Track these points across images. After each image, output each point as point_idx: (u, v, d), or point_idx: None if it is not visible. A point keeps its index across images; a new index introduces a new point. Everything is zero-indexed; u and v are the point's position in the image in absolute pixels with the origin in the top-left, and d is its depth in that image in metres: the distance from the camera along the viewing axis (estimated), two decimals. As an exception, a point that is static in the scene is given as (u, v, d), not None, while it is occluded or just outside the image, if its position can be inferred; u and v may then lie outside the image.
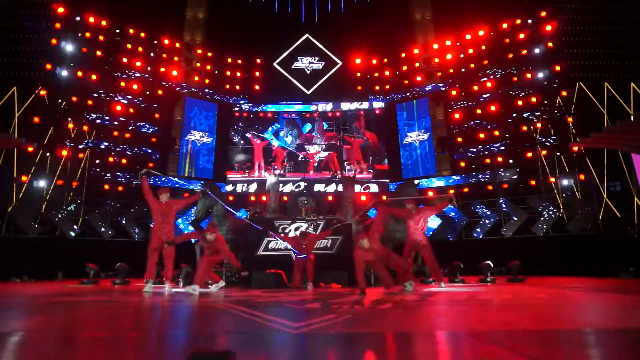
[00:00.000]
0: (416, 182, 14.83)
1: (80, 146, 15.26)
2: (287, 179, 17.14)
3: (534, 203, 14.76)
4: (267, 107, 18.97)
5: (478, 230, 15.29)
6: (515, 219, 14.79)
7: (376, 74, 19.14)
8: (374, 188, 17.38)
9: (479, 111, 16.72)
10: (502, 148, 15.98)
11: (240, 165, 17.79)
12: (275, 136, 18.70)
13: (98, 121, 15.77)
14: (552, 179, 15.15)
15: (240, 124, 18.60)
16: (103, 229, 14.52)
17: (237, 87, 18.93)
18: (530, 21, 16.36)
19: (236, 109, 18.81)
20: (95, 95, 15.77)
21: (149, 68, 17.03)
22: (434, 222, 15.88)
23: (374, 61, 19.21)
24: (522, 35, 16.25)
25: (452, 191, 16.98)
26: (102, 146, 15.68)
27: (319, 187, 16.94)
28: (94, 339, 2.54)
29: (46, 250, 13.44)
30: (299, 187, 16.84)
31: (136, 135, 16.35)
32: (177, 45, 18.15)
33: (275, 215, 11.05)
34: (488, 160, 16.16)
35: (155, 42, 17.47)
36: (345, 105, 19.04)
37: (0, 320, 3.37)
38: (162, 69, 17.31)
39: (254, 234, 9.67)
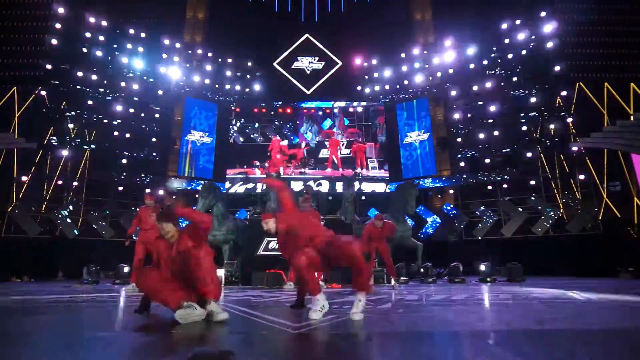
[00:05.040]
0: (416, 182, 14.85)
1: (80, 146, 15.27)
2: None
3: (534, 203, 14.75)
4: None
5: (478, 230, 15.29)
6: (515, 218, 14.79)
7: (376, 74, 19.16)
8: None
9: (479, 111, 16.72)
10: (502, 148, 15.98)
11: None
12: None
13: (98, 121, 15.77)
14: (552, 179, 15.16)
15: (246, 121, 18.78)
16: (103, 229, 14.52)
17: (237, 87, 18.95)
18: (530, 21, 16.36)
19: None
20: (96, 95, 15.77)
21: (149, 68, 17.03)
22: (433, 222, 15.89)
23: (374, 61, 19.22)
24: (522, 36, 16.24)
25: (451, 191, 17.04)
26: (102, 146, 15.68)
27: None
28: (93, 339, 2.54)
29: (46, 250, 13.44)
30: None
31: (136, 135, 16.35)
32: (177, 45, 18.15)
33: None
34: (488, 160, 16.15)
35: (155, 42, 17.47)
36: (342, 105, 19.20)
37: (2, 320, 3.37)
38: (162, 69, 17.31)
39: (254, 234, 9.66)
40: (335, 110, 19.08)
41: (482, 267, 9.89)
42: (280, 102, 19.13)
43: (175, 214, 3.37)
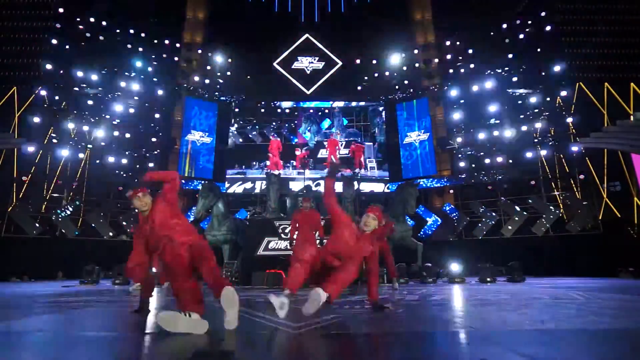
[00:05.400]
0: (416, 182, 14.80)
1: (80, 146, 15.27)
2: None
3: (534, 203, 14.75)
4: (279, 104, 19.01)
5: (478, 230, 15.27)
6: (515, 219, 14.78)
7: (376, 74, 19.16)
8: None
9: (479, 112, 16.73)
10: (502, 148, 15.99)
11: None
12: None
13: (98, 121, 15.77)
14: (552, 179, 15.16)
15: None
16: (103, 229, 14.52)
17: (237, 87, 18.94)
18: (530, 21, 16.39)
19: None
20: (96, 95, 15.77)
21: (149, 68, 17.03)
22: (433, 222, 15.87)
23: (374, 61, 19.22)
24: (522, 35, 16.26)
25: (451, 191, 17.04)
26: (102, 146, 15.68)
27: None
28: (94, 339, 2.54)
29: (46, 250, 13.43)
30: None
31: (136, 135, 16.35)
32: (177, 45, 18.16)
33: (275, 215, 11.01)
34: (488, 160, 16.16)
35: (156, 42, 17.48)
36: (341, 105, 19.20)
37: (1, 320, 3.37)
38: (162, 69, 17.32)
39: (254, 234, 9.67)
40: (335, 110, 19.09)
41: (483, 267, 9.88)
42: (279, 102, 19.15)
43: (145, 181, 3.26)
